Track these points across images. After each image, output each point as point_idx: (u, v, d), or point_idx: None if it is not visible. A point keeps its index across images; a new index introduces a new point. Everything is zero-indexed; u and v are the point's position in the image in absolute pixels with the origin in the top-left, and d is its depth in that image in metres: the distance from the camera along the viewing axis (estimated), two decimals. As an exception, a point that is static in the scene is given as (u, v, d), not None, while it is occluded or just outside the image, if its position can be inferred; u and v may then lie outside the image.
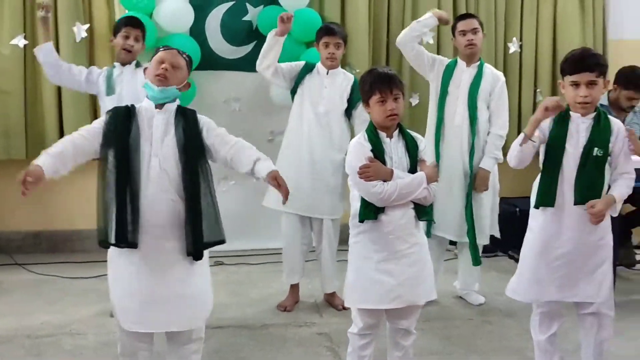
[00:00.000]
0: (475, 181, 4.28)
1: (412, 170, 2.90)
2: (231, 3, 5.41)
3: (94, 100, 5.30)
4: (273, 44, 4.20)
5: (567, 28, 5.84)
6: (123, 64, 4.12)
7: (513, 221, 5.44)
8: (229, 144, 2.81)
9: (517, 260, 5.28)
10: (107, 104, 4.12)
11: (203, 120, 2.84)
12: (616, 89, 4.78)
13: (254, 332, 3.93)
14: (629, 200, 3.50)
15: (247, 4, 5.41)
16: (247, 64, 5.39)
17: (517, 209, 5.55)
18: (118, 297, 2.79)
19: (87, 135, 2.76)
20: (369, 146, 2.87)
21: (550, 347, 3.20)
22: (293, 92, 4.31)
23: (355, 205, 2.91)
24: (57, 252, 5.52)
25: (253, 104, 5.51)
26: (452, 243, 4.60)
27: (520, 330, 3.95)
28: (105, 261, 4.71)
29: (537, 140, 3.00)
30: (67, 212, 5.58)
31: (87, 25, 5.17)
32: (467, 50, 4.28)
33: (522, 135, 2.99)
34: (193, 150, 2.74)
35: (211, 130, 2.82)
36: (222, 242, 2.81)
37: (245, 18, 5.44)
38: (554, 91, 5.84)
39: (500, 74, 4.40)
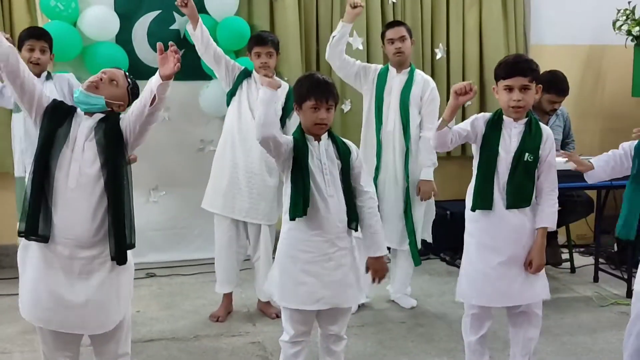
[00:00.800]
0: (420, 193, 4.35)
1: (344, 175, 2.92)
2: (158, 12, 5.35)
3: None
4: (345, 32, 4.25)
5: (491, 34, 5.96)
6: None
7: (444, 224, 5.55)
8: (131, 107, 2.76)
9: (448, 263, 5.48)
10: (15, 121, 4.06)
11: (123, 118, 2.76)
12: (538, 93, 4.90)
13: (185, 343, 3.89)
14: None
15: (175, 13, 5.35)
16: (176, 73, 5.34)
17: (448, 212, 5.66)
18: (28, 290, 2.69)
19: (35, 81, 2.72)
20: None
21: (480, 347, 3.26)
22: (231, 93, 4.28)
23: (287, 201, 2.90)
24: (-19, 269, 5.35)
25: (182, 113, 5.46)
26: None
27: (450, 332, 4.03)
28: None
29: (453, 127, 3.04)
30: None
31: (8, 35, 5.02)
32: (395, 57, 4.34)
33: (440, 120, 3.03)
34: (114, 153, 2.68)
35: (125, 118, 2.75)
36: (132, 246, 2.74)
37: (173, 27, 5.39)
38: (481, 95, 5.98)
39: (431, 79, 4.48)
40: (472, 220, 3.16)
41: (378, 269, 2.99)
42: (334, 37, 4.30)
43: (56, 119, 2.69)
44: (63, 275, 2.63)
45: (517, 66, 3.04)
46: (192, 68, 5.31)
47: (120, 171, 2.67)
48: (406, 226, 4.34)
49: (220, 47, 4.73)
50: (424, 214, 4.47)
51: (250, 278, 4.53)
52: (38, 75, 3.96)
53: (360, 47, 5.54)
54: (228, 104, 4.32)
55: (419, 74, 4.43)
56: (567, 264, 5.40)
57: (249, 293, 4.58)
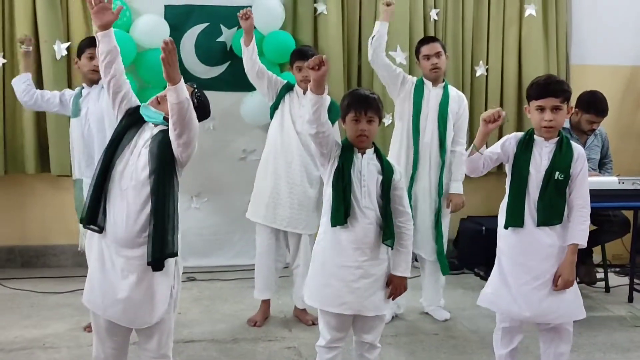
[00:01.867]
0: (450, 205, 4.48)
1: (384, 191, 3.03)
2: (206, 24, 5.53)
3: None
4: (383, 31, 4.37)
5: (531, 53, 6.03)
6: (90, 85, 4.19)
7: (479, 239, 5.62)
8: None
9: (482, 278, 5.54)
10: (73, 126, 4.24)
11: None
12: (577, 113, 4.95)
13: (224, 346, 4.02)
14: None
15: (222, 26, 5.53)
16: (221, 83, 5.53)
17: (483, 228, 5.71)
18: (89, 278, 2.89)
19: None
20: None
21: (511, 360, 3.33)
22: (274, 107, 4.42)
23: (327, 205, 3.04)
24: (30, 267, 5.58)
25: (226, 123, 5.62)
26: (415, 259, 4.71)
27: (483, 345, 4.09)
28: (79, 276, 4.84)
29: (484, 152, 3.16)
30: (41, 227, 5.64)
31: (68, 44, 5.27)
32: (432, 74, 4.45)
33: (472, 146, 3.15)
34: (162, 163, 2.82)
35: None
36: (174, 254, 2.86)
37: (220, 39, 5.56)
38: (519, 114, 6.02)
39: (463, 95, 4.61)
40: (504, 237, 3.24)
41: (399, 287, 3.09)
42: (373, 37, 4.41)
43: (130, 122, 2.90)
44: (112, 269, 2.81)
45: (548, 87, 3.12)
46: (236, 79, 5.49)
47: (166, 181, 2.82)
48: (437, 237, 4.45)
49: (266, 60, 4.91)
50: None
51: (287, 285, 4.66)
52: (96, 82, 4.14)
53: (404, 62, 5.65)
54: (271, 117, 4.46)
55: (452, 89, 4.54)
56: (602, 283, 5.41)
57: (285, 300, 4.70)
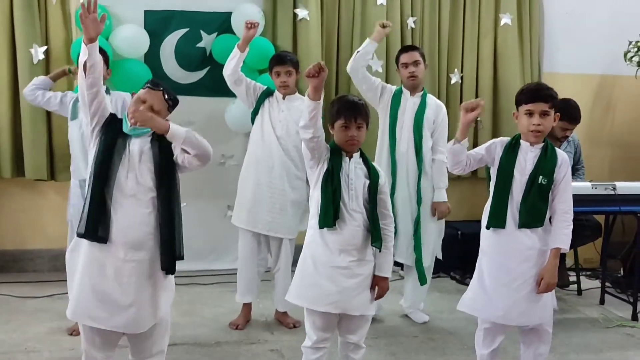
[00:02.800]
0: (436, 214, 4.55)
1: (371, 194, 3.10)
2: (185, 30, 5.57)
3: (49, 121, 5.39)
4: (370, 50, 4.43)
5: (506, 61, 6.14)
6: None
7: (455, 244, 5.70)
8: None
9: (458, 281, 5.63)
10: (71, 129, 4.32)
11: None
12: (555, 120, 5.05)
13: (207, 349, 4.05)
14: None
15: (202, 31, 5.57)
16: (201, 88, 5.57)
17: (459, 232, 5.81)
18: (78, 290, 2.87)
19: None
20: None
21: (491, 360, 3.41)
22: (254, 112, 4.46)
23: (315, 208, 3.09)
24: (5, 272, 5.52)
25: (205, 128, 5.60)
26: (398, 265, 4.78)
27: (461, 347, 4.17)
28: (57, 280, 4.83)
29: (470, 152, 3.27)
30: (16, 232, 5.60)
31: (45, 47, 5.26)
32: (409, 81, 4.53)
33: (454, 138, 3.25)
34: (168, 166, 2.91)
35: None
36: (181, 257, 2.98)
37: (200, 45, 5.59)
38: (494, 120, 6.15)
39: (442, 104, 4.68)
40: (486, 238, 3.33)
41: (384, 287, 3.17)
42: (358, 52, 4.47)
43: (114, 130, 2.92)
44: (114, 276, 2.83)
45: (539, 92, 3.24)
46: (216, 84, 5.52)
47: (171, 188, 2.91)
48: (415, 245, 4.51)
49: (246, 66, 4.94)
50: (437, 236, 4.66)
51: (268, 289, 4.69)
52: None
53: (380, 70, 5.73)
54: (252, 123, 4.50)
55: (431, 97, 4.62)
56: (574, 286, 5.54)
57: (266, 303, 4.73)
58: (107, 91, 4.28)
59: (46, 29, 5.39)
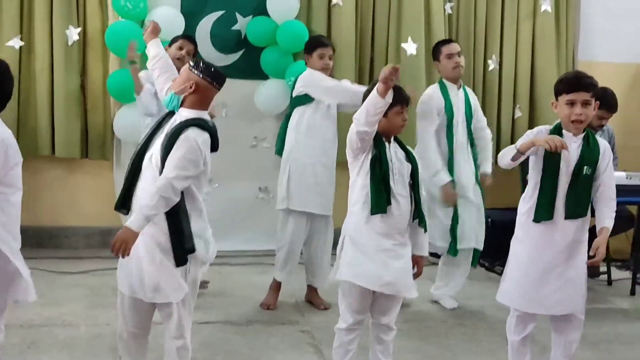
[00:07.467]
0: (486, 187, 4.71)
1: (414, 178, 3.16)
2: (221, 12, 5.60)
3: (84, 101, 5.47)
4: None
5: (544, 48, 6.11)
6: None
7: (485, 231, 5.69)
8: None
9: (487, 269, 5.63)
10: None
11: (181, 139, 2.84)
12: (596, 109, 5.02)
13: (239, 327, 4.11)
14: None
15: (237, 14, 5.60)
16: (235, 71, 5.59)
17: (489, 220, 5.78)
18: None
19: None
20: None
21: (522, 347, 3.41)
22: (306, 98, 4.42)
23: (362, 194, 3.10)
24: (42, 247, 5.62)
25: (239, 110, 5.70)
26: (433, 254, 4.80)
27: (491, 332, 4.18)
28: (92, 257, 4.91)
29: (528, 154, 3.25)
30: (53, 208, 5.70)
31: (80, 29, 5.33)
32: (454, 72, 4.59)
33: (514, 150, 3.21)
34: (165, 156, 2.86)
35: (170, 154, 2.83)
36: (193, 250, 2.92)
37: (235, 27, 5.63)
38: (532, 107, 6.14)
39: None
40: (525, 227, 3.29)
41: (422, 266, 3.25)
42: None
43: (168, 112, 3.03)
44: (140, 245, 2.84)
45: (580, 81, 3.20)
46: (250, 67, 5.59)
47: None
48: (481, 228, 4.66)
49: (280, 48, 4.97)
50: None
51: (297, 271, 4.72)
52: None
53: (414, 53, 5.73)
54: (296, 106, 4.48)
55: (467, 88, 4.75)
56: (604, 277, 5.52)
57: (295, 285, 4.77)
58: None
59: (84, 11, 5.45)
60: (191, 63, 3.00)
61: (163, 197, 2.75)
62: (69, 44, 5.34)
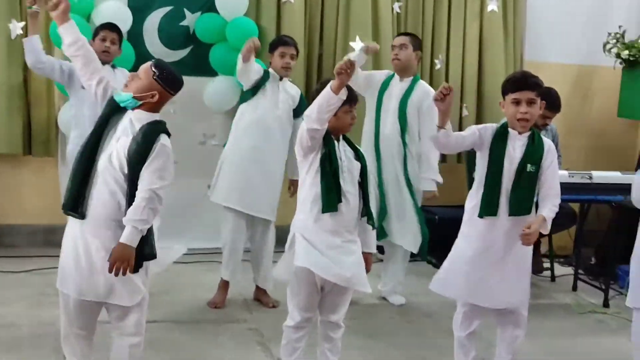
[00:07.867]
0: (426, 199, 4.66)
1: (363, 176, 3.17)
2: (169, 8, 5.53)
3: (27, 96, 5.35)
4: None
5: (491, 48, 6.19)
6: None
7: (432, 228, 5.73)
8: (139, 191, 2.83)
9: (434, 266, 5.69)
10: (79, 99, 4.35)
11: (157, 148, 2.84)
12: (541, 109, 5.12)
13: (186, 326, 4.09)
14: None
15: (185, 10, 5.54)
16: (184, 67, 5.47)
17: (436, 217, 5.85)
18: (63, 260, 2.92)
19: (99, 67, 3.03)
20: None
21: (468, 343, 3.48)
22: (252, 93, 4.42)
23: (310, 193, 3.10)
24: (-16, 246, 5.50)
25: (187, 107, 5.61)
26: (379, 249, 4.82)
27: (438, 329, 4.25)
28: (36, 256, 4.79)
29: (450, 127, 3.28)
30: (-4, 206, 5.56)
31: (23, 23, 5.20)
32: (393, 64, 4.63)
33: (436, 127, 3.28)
34: (137, 164, 2.83)
35: (147, 164, 2.83)
36: (154, 256, 2.93)
37: (183, 23, 5.56)
38: (479, 106, 6.21)
39: (432, 91, 4.62)
40: (471, 224, 3.36)
41: (371, 262, 3.27)
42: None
43: (112, 109, 2.93)
44: (94, 248, 2.83)
45: (525, 81, 3.27)
46: (198, 63, 5.53)
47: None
48: (419, 224, 4.61)
49: (229, 45, 4.91)
50: None
51: (245, 269, 4.70)
52: (107, 63, 4.32)
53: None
54: (242, 101, 4.50)
55: (422, 84, 4.66)
56: (548, 273, 5.64)
57: (244, 283, 4.75)
58: (114, 67, 4.37)
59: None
60: (155, 70, 2.92)
61: (152, 209, 2.79)
62: (12, 37, 5.21)
